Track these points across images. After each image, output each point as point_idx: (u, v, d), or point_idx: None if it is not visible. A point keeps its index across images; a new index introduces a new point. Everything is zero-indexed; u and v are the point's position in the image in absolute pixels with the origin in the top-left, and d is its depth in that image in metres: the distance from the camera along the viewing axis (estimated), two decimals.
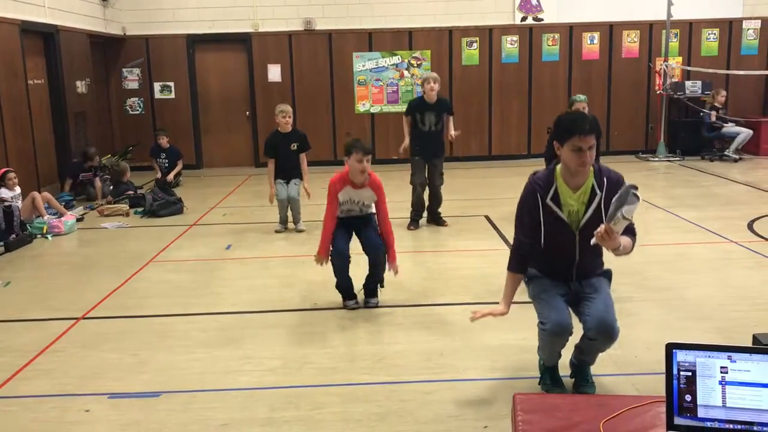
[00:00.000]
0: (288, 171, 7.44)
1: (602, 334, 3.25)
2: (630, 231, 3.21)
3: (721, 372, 1.93)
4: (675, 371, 1.95)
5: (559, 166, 3.27)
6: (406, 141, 7.41)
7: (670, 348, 1.97)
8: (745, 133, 11.65)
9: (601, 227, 2.97)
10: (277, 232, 7.41)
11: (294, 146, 7.42)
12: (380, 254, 4.92)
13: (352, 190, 4.87)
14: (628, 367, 3.85)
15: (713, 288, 5.22)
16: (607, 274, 3.51)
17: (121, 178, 9.65)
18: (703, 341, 3.72)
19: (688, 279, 5.45)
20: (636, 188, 2.87)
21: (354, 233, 5.03)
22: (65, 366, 4.11)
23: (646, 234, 6.98)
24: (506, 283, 3.48)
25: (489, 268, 5.85)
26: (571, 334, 3.34)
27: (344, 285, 5.00)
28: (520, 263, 3.43)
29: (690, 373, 1.94)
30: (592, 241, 3.04)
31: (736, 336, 4.18)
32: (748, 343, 3.65)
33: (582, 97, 6.75)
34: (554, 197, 3.24)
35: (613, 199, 2.92)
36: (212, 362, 4.11)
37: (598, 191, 3.22)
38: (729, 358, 1.92)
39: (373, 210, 5.01)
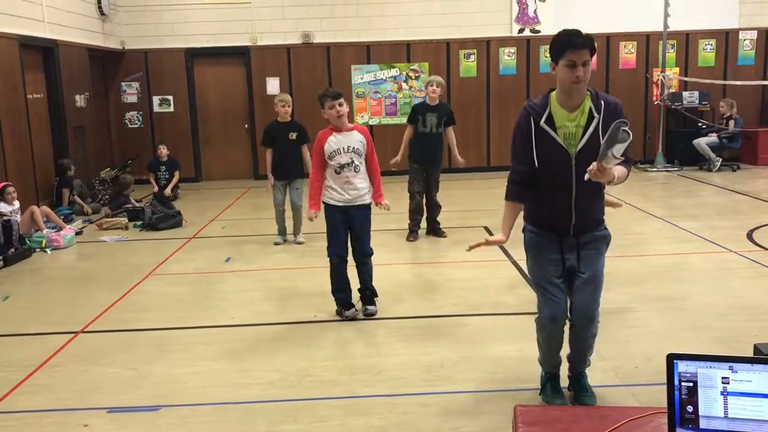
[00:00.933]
0: (287, 167, 7.27)
1: (582, 319, 3.38)
2: (625, 160, 3.16)
3: (723, 382, 1.91)
4: (676, 382, 1.94)
5: (554, 92, 3.26)
6: (400, 155, 7.39)
7: (671, 358, 1.96)
8: (704, 143, 11.76)
9: (593, 165, 2.96)
10: (276, 244, 7.39)
11: (293, 135, 7.28)
12: (365, 255, 5.01)
13: (339, 136, 4.88)
14: (629, 378, 3.84)
15: (713, 297, 5.21)
16: (606, 240, 3.41)
17: (124, 191, 9.65)
18: (704, 351, 3.71)
19: (688, 289, 5.44)
20: (626, 124, 2.85)
21: (350, 232, 4.99)
22: (64, 380, 4.10)
23: (645, 244, 7.00)
24: (505, 214, 3.40)
25: (489, 279, 5.85)
26: (564, 323, 3.40)
27: (342, 289, 5.00)
28: (518, 191, 3.35)
29: (691, 384, 1.93)
30: (586, 177, 3.03)
31: (737, 346, 4.17)
32: (749, 353, 3.64)
33: None
34: (548, 120, 3.21)
35: (604, 139, 2.91)
36: (212, 375, 4.10)
37: (596, 114, 3.19)
38: (730, 368, 1.91)
39: (367, 183, 4.95)
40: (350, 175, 4.87)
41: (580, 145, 3.19)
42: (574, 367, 3.59)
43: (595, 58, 12.56)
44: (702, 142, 11.79)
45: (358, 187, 4.90)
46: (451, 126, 7.36)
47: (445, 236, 7.46)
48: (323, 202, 4.97)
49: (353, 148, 4.88)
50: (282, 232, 7.48)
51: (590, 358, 3.60)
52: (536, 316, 3.48)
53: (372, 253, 5.07)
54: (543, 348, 3.53)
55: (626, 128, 2.83)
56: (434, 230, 7.53)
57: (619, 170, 3.10)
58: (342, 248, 4.95)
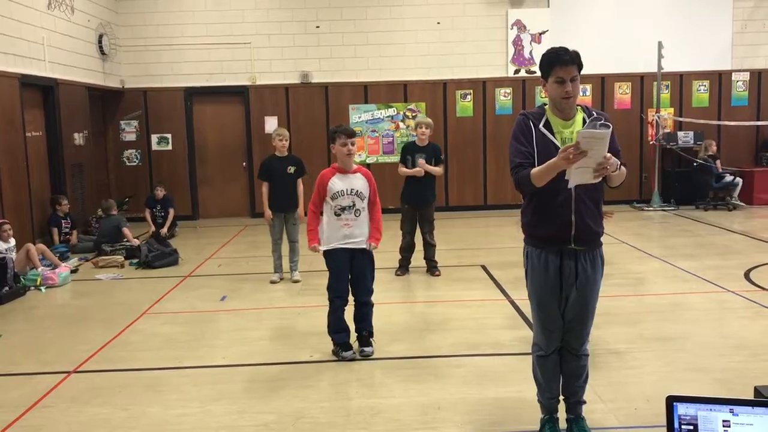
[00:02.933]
0: (284, 201, 7.25)
1: (574, 349, 3.47)
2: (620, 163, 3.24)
3: (724, 426, 1.89)
4: (676, 425, 1.92)
5: (547, 106, 3.37)
6: (418, 169, 7.31)
7: (671, 401, 1.93)
8: (740, 181, 11.85)
9: (570, 149, 2.95)
10: (272, 282, 7.35)
11: (291, 169, 7.29)
12: (366, 293, 4.98)
13: (343, 177, 4.88)
14: (629, 420, 3.79)
15: (712, 338, 5.18)
16: (602, 264, 3.42)
17: (109, 211, 9.79)
18: (703, 393, 3.67)
19: (687, 329, 5.41)
20: (603, 119, 3.06)
21: (350, 272, 4.95)
22: (55, 422, 4.03)
23: (643, 284, 6.97)
24: (541, 170, 3.17)
25: (487, 319, 5.80)
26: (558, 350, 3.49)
27: (340, 332, 4.95)
28: (525, 169, 3.26)
29: (692, 427, 1.90)
30: (569, 182, 3.07)
31: (737, 387, 4.13)
32: (749, 394, 3.60)
33: None
34: (546, 125, 3.30)
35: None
36: (206, 417, 4.03)
37: (588, 121, 3.27)
38: (731, 411, 1.89)
39: (368, 226, 4.92)
40: (349, 219, 4.84)
41: None
42: (571, 406, 3.57)
43: (590, 98, 12.70)
44: (739, 181, 11.82)
45: (355, 234, 4.87)
46: (440, 164, 7.41)
47: (438, 275, 7.42)
48: (323, 251, 4.93)
49: (356, 191, 4.87)
50: (278, 268, 7.44)
51: (585, 397, 3.58)
52: (532, 345, 3.56)
53: (372, 292, 5.04)
54: (539, 378, 3.56)
55: (603, 122, 2.99)
56: (429, 269, 7.53)
57: (621, 169, 3.19)
58: (343, 290, 4.92)
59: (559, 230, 3.28)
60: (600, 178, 3.09)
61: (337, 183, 4.86)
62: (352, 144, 4.87)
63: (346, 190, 4.85)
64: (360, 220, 4.88)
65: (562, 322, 3.42)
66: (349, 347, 4.95)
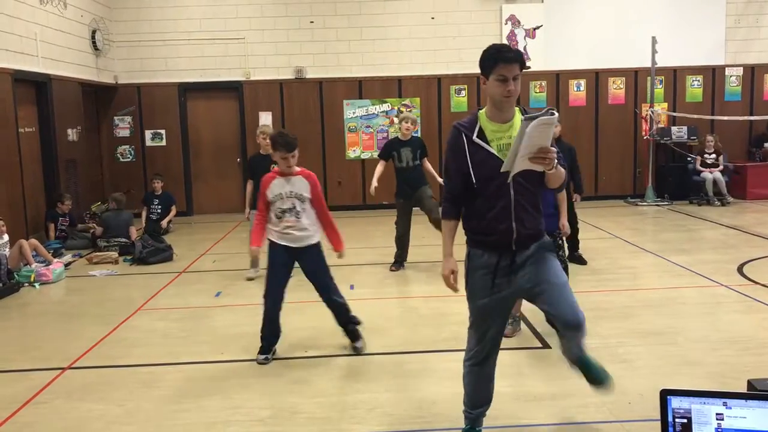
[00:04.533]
0: None
1: (569, 329, 3.27)
2: (562, 166, 3.19)
3: (717, 419, 1.90)
4: (670, 418, 1.93)
5: (481, 111, 3.26)
6: (374, 183, 7.35)
7: (665, 394, 1.95)
8: (710, 178, 11.77)
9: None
10: (248, 279, 7.26)
11: (274, 167, 7.26)
12: (331, 296, 4.88)
13: (282, 180, 4.78)
14: (623, 414, 3.81)
15: (705, 332, 5.20)
16: (546, 246, 3.32)
17: (120, 205, 9.75)
18: (697, 387, 3.69)
19: (680, 323, 5.43)
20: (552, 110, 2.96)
21: (304, 274, 4.88)
22: (49, 418, 4.02)
23: (636, 278, 7.00)
24: (444, 236, 3.34)
25: None
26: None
27: (268, 334, 4.85)
28: (452, 209, 3.32)
29: (685, 420, 1.92)
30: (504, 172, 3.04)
31: (730, 381, 4.15)
32: (743, 388, 3.62)
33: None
34: (480, 134, 3.19)
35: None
36: (200, 413, 4.03)
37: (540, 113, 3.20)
38: (724, 404, 1.90)
39: (312, 224, 4.81)
40: (292, 221, 4.74)
41: None
42: (575, 359, 3.44)
43: (584, 93, 12.65)
44: (708, 178, 11.83)
45: (300, 230, 4.76)
46: (425, 157, 7.45)
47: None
48: (268, 239, 4.85)
49: (296, 193, 4.76)
50: (255, 264, 7.35)
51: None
52: (466, 354, 3.42)
53: (339, 295, 4.92)
54: (471, 385, 3.44)
55: (552, 109, 2.95)
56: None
57: (558, 169, 3.11)
58: (277, 291, 4.79)
59: (501, 237, 3.21)
60: (539, 167, 3.00)
61: (275, 186, 4.77)
62: (293, 157, 4.74)
63: (285, 192, 4.75)
64: (302, 223, 4.76)
65: (499, 322, 3.32)
66: (266, 351, 4.84)
